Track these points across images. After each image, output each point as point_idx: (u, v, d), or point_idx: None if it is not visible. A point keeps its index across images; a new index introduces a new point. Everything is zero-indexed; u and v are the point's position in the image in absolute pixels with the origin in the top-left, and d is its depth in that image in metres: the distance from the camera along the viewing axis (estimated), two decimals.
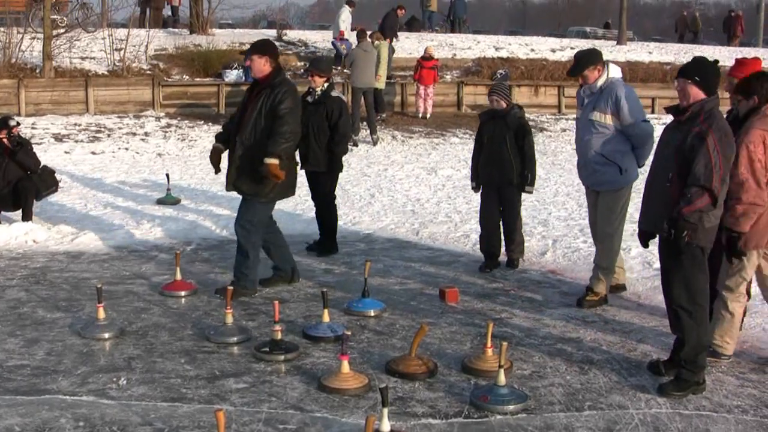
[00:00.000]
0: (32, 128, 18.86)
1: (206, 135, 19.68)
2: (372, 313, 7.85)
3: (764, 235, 6.59)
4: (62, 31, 23.04)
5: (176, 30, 28.42)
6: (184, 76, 22.89)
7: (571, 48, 29.48)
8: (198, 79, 22.65)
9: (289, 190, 8.50)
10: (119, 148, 18.45)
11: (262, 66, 8.20)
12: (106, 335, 7.14)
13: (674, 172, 6.05)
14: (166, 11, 32.18)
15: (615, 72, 8.16)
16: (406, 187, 14.53)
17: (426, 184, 14.88)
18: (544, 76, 25.59)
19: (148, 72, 22.58)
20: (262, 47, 8.32)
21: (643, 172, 7.03)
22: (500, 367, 5.93)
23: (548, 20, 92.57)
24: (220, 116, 21.32)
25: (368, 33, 21.42)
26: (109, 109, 21.03)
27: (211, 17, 29.01)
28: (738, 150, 6.30)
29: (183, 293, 8.49)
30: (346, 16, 25.37)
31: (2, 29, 23.37)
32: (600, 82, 8.04)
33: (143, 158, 17.61)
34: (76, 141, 18.80)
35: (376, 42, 20.52)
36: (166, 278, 8.87)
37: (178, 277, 8.64)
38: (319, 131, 9.76)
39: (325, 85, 9.89)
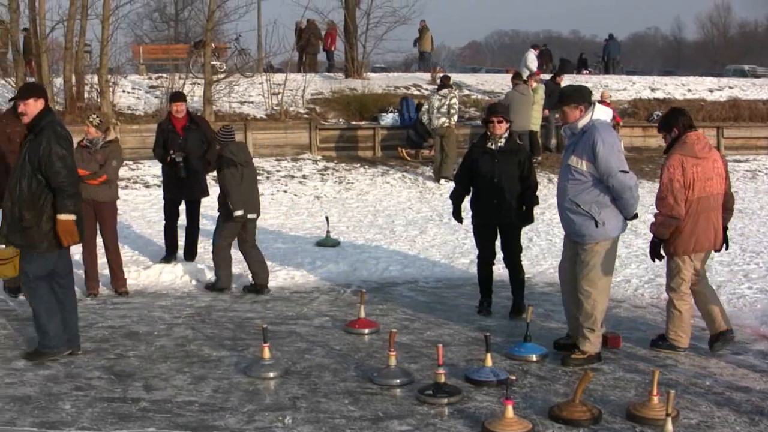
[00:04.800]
0: None
1: (363, 177, 19.99)
2: (534, 358, 7.79)
3: (689, 243, 7.68)
4: (222, 76, 23.79)
5: (332, 74, 29.03)
6: (340, 120, 23.29)
7: (730, 87, 28.71)
8: (354, 123, 23.01)
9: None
10: (278, 191, 18.85)
11: (35, 109, 7.59)
12: (272, 374, 7.29)
13: None
14: (322, 56, 32.94)
15: (601, 114, 7.61)
16: None
17: None
18: (702, 117, 24.90)
19: (305, 116, 23.08)
20: (28, 91, 7.73)
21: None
22: (667, 415, 5.80)
23: (703, 59, 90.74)
24: (377, 159, 21.62)
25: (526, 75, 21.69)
26: (268, 152, 21.45)
27: (365, 61, 29.49)
28: (661, 172, 7.68)
29: (366, 331, 8.63)
30: (532, 57, 27.23)
31: (165, 75, 24.39)
32: (581, 124, 7.48)
33: (301, 200, 17.95)
34: None
35: (534, 85, 20.54)
36: (326, 320, 9.01)
37: (362, 315, 8.80)
38: (510, 181, 9.06)
39: (507, 131, 9.21)
